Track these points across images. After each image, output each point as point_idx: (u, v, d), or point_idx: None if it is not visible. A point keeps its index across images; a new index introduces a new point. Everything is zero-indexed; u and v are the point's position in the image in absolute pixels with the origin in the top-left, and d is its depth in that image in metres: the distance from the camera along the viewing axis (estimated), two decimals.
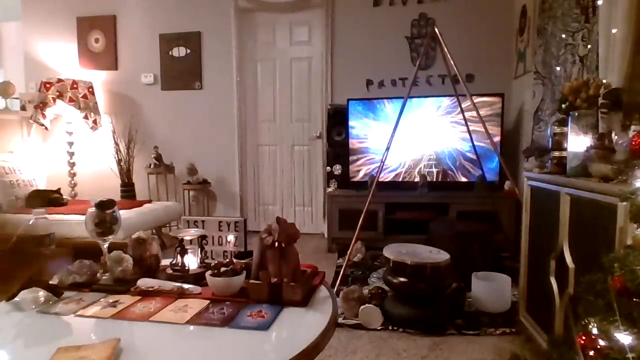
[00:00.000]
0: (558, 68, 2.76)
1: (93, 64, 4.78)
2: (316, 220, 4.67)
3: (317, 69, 4.48)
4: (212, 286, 1.19)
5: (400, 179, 3.94)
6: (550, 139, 2.02)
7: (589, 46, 2.33)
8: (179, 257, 1.36)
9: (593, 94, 1.75)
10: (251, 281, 1.17)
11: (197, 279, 1.30)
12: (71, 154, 4.57)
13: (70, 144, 4.54)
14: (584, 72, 2.34)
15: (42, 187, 3.92)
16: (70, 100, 4.27)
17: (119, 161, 4.55)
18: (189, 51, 4.60)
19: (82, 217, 1.80)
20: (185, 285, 1.22)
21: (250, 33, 4.59)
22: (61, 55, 4.84)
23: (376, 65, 4.27)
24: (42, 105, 4.20)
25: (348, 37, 4.32)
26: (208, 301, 1.15)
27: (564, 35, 2.67)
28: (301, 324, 1.02)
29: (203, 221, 1.53)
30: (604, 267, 1.04)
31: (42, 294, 1.19)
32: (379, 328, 2.27)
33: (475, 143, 3.58)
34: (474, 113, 3.43)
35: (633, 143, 1.15)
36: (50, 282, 1.23)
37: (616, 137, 1.48)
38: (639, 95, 1.57)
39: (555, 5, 2.84)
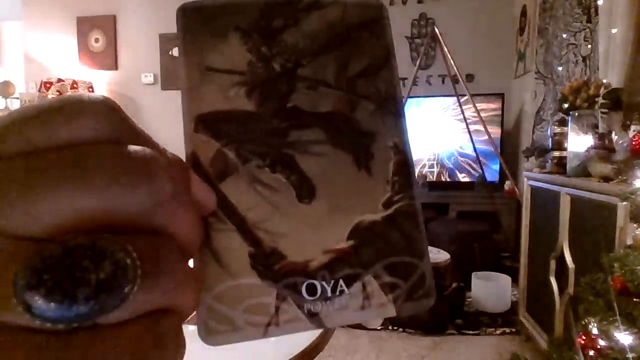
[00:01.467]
0: (560, 68, 2.76)
1: (93, 64, 4.78)
2: None
3: None
4: None
5: None
6: (551, 139, 2.02)
7: (589, 46, 2.33)
8: None
9: (593, 94, 1.75)
10: None
11: None
12: None
13: None
14: (587, 72, 2.34)
15: None
16: None
17: None
18: None
19: None
20: None
21: None
22: (61, 55, 4.84)
23: None
24: None
25: None
26: None
27: (565, 35, 2.67)
28: None
29: None
30: (604, 267, 1.04)
31: None
32: (379, 328, 2.27)
33: (475, 143, 3.58)
34: (474, 113, 3.43)
35: (633, 143, 1.15)
36: None
37: (616, 137, 1.48)
38: (639, 95, 1.57)
39: (557, 5, 2.83)
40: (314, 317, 0.19)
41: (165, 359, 0.14)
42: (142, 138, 0.15)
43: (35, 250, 0.12)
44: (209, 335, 0.18)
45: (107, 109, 0.15)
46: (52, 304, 0.12)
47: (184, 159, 0.19)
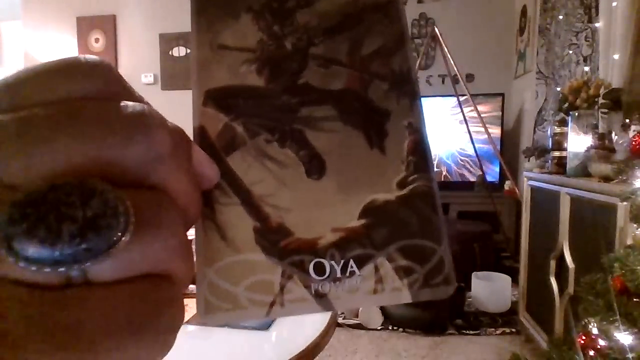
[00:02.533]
0: (562, 68, 2.76)
1: None
2: None
3: None
4: None
5: None
6: (551, 139, 2.02)
7: (590, 46, 2.33)
8: None
9: (593, 94, 1.75)
10: None
11: None
12: None
13: None
14: (588, 72, 2.34)
15: None
16: None
17: None
18: (189, 51, 4.60)
19: None
20: None
21: None
22: (61, 55, 4.82)
23: None
24: None
25: None
26: None
27: (567, 35, 2.67)
28: (301, 324, 1.02)
29: None
30: (604, 267, 1.05)
31: None
32: (379, 328, 2.27)
33: (476, 143, 3.58)
34: (474, 113, 3.43)
35: (633, 143, 1.15)
36: None
37: (616, 137, 1.48)
38: (639, 95, 1.57)
39: (558, 5, 2.83)
40: (321, 299, 0.17)
41: (162, 327, 0.14)
42: (140, 99, 0.15)
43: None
44: (208, 313, 0.17)
45: (104, 69, 0.15)
46: (35, 239, 0.11)
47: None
